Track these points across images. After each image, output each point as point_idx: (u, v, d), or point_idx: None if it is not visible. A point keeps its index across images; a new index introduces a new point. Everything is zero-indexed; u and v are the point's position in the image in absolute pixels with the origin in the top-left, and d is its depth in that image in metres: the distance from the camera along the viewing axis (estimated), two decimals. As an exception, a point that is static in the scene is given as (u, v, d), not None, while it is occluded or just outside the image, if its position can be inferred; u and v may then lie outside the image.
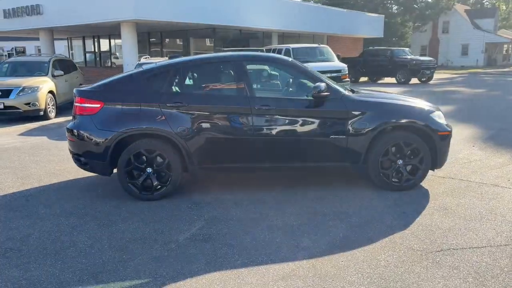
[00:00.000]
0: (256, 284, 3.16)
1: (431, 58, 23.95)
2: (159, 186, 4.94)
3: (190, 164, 4.93)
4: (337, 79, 15.42)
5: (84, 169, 5.15)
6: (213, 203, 4.80)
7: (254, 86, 5.10)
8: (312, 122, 4.95)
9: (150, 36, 22.34)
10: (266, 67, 5.70)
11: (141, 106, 4.85)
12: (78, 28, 18.96)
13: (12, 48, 48.16)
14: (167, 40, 22.30)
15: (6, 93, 10.57)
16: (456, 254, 3.53)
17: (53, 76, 11.93)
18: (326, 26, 25.61)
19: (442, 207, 4.60)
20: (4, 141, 8.63)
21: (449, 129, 5.12)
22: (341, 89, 5.09)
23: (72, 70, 13.60)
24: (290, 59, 5.26)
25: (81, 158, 5.03)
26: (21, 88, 10.73)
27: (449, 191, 5.09)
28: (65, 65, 13.07)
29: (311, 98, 4.89)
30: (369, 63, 23.06)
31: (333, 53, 17.16)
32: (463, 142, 7.73)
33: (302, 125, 4.94)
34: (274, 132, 4.94)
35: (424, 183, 5.31)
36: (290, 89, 5.46)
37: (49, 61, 12.35)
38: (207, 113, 4.88)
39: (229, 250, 3.67)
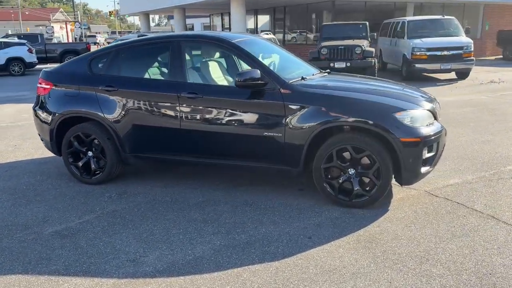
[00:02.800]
0: (36, 296, 2.85)
1: None
2: (97, 171, 4.86)
3: (122, 152, 4.72)
4: (458, 57, 13.15)
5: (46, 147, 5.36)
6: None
7: (191, 70, 4.54)
8: (244, 115, 4.21)
9: (276, 12, 22.18)
10: (218, 49, 4.99)
11: (80, 89, 4.78)
12: (203, 4, 19.83)
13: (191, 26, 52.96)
14: (289, 16, 21.82)
15: None
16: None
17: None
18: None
19: (369, 238, 3.49)
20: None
21: (418, 135, 3.81)
22: (282, 78, 4.19)
23: None
24: (234, 40, 4.49)
25: (40, 136, 5.24)
26: None
27: (411, 214, 3.84)
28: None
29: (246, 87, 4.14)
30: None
31: (460, 26, 14.51)
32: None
33: (232, 117, 4.25)
34: (202, 124, 4.36)
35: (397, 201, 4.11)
36: (227, 75, 4.72)
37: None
38: (136, 99, 4.56)
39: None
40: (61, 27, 74.63)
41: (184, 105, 4.37)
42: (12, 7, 75.20)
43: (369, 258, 3.18)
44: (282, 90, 4.10)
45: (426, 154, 3.92)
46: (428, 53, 13.23)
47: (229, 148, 4.37)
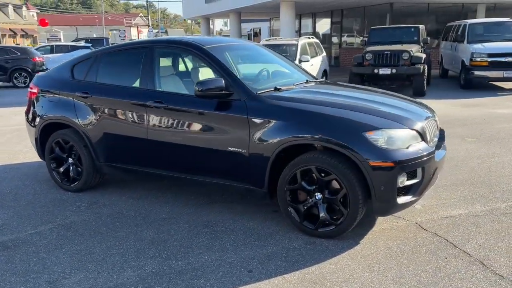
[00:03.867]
0: None
1: None
2: (76, 179, 4.76)
3: (96, 160, 4.57)
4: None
5: (36, 150, 5.36)
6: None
7: (162, 78, 4.26)
8: (208, 127, 3.87)
9: (333, 15, 21.45)
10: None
11: (60, 95, 4.71)
12: (256, 8, 19.67)
13: (251, 29, 53.40)
14: (347, 19, 20.96)
15: None
16: None
17: (300, 61, 10.69)
18: None
19: (316, 278, 2.98)
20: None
21: (392, 159, 3.22)
22: (249, 88, 3.78)
23: (319, 53, 12.32)
24: (206, 46, 4.13)
25: (29, 139, 5.26)
26: None
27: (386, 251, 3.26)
28: (313, 48, 11.95)
29: (213, 98, 3.80)
30: None
31: (531, 30, 12.98)
32: None
33: (197, 129, 3.93)
34: (167, 135, 4.08)
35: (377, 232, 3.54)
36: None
37: (297, 45, 11.18)
38: (107, 106, 4.38)
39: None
40: (140, 31, 78.80)
41: (151, 115, 4.11)
42: (97, 13, 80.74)
43: (304, 304, 2.70)
44: (248, 102, 3.70)
45: (405, 182, 3.32)
46: (489, 59, 11.93)
47: (194, 162, 4.04)
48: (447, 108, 9.54)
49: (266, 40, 12.87)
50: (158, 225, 3.90)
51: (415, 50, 11.50)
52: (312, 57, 11.67)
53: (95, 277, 3.07)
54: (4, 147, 6.98)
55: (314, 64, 11.61)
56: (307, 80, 4.46)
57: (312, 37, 13.14)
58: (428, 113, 3.86)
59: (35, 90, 4.98)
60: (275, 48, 11.50)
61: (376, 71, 11.29)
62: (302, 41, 11.52)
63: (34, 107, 4.97)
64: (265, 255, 3.30)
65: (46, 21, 43.07)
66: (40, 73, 5.23)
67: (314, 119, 3.46)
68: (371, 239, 3.53)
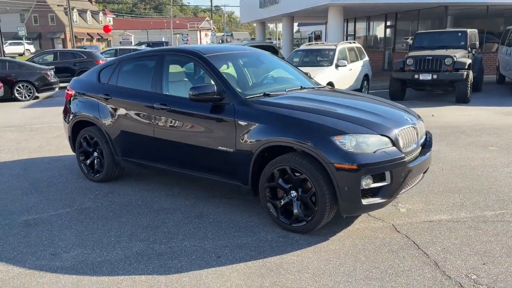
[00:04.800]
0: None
1: None
2: (99, 170, 5.38)
3: (115, 155, 5.15)
4: None
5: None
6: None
7: (169, 83, 4.74)
8: (204, 128, 4.29)
9: (387, 19, 21.10)
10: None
11: (88, 96, 5.36)
12: (307, 12, 19.84)
13: (312, 32, 53.35)
14: (401, 22, 20.49)
15: None
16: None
17: (337, 66, 10.81)
18: None
19: (274, 266, 3.28)
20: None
21: (356, 162, 3.43)
22: (238, 94, 4.16)
23: (360, 57, 12.32)
24: (207, 54, 4.53)
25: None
26: None
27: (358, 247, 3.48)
28: (353, 53, 12.07)
29: (208, 101, 4.22)
30: None
31: None
32: None
33: (194, 130, 4.37)
34: (170, 134, 4.56)
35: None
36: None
37: (335, 50, 11.24)
38: (124, 107, 4.94)
39: None
40: (206, 34, 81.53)
41: (157, 116, 4.61)
42: (165, 17, 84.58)
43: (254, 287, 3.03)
44: (236, 106, 4.08)
45: (372, 184, 3.53)
46: (544, 66, 11.35)
47: (192, 159, 4.47)
48: (485, 116, 9.26)
49: (306, 45, 13.08)
50: (157, 213, 4.38)
51: (459, 55, 11.18)
52: (351, 61, 11.76)
53: (89, 253, 3.59)
54: (55, 141, 7.86)
55: (353, 69, 11.68)
56: (301, 87, 4.74)
57: (354, 42, 13.17)
58: (408, 120, 4.00)
59: (70, 92, 5.68)
60: (313, 52, 11.78)
61: (416, 76, 11.13)
62: (341, 46, 11.63)
63: (68, 107, 5.67)
64: (237, 244, 3.66)
65: (110, 27, 46.51)
66: (76, 77, 5.93)
67: (290, 123, 3.77)
68: (341, 236, 3.76)
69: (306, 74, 5.44)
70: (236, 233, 3.89)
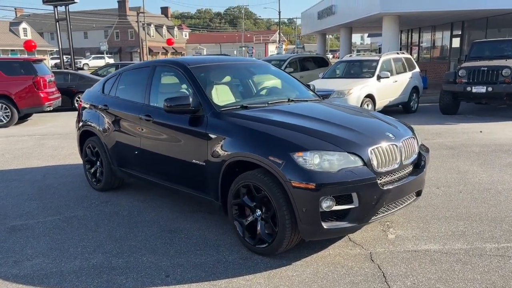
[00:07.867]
0: None
1: None
2: (100, 180, 5.48)
3: (112, 164, 5.21)
4: None
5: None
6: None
7: (157, 94, 4.68)
8: (180, 140, 4.18)
9: (453, 27, 19.80)
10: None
11: (92, 107, 5.49)
12: (361, 22, 19.21)
13: (381, 43, 51.65)
14: (468, 31, 19.09)
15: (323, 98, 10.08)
16: None
17: (379, 78, 10.37)
18: None
19: (220, 291, 3.05)
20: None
21: (315, 181, 3.11)
22: (212, 105, 3.99)
23: (408, 69, 11.70)
24: (191, 65, 4.40)
25: (78, 144, 6.19)
26: (332, 92, 9.67)
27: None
28: (400, 64, 11.51)
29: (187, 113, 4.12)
30: None
31: None
32: None
33: (173, 142, 4.27)
34: (153, 145, 4.52)
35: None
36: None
37: (378, 61, 10.76)
38: (117, 118, 4.99)
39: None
40: (276, 47, 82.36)
41: (143, 127, 4.59)
42: (237, 31, 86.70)
43: (184, 312, 2.83)
44: (209, 118, 3.93)
45: (334, 206, 3.19)
46: None
47: (172, 172, 4.38)
48: (542, 133, 8.25)
49: (348, 56, 12.58)
50: (135, 226, 4.33)
51: (520, 66, 10.12)
52: (398, 73, 11.14)
53: (48, 263, 3.59)
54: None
55: (399, 81, 11.02)
56: (288, 99, 4.47)
57: (403, 53, 12.45)
58: (389, 137, 3.58)
59: (81, 102, 5.87)
60: (355, 63, 11.31)
61: (469, 89, 10.23)
62: (386, 57, 11.06)
63: (78, 116, 5.85)
64: (194, 264, 3.48)
65: (172, 40, 51.18)
66: (88, 88, 6.13)
67: (255, 137, 3.54)
68: (307, 262, 3.44)
69: (308, 86, 5.16)
70: (199, 251, 3.71)
